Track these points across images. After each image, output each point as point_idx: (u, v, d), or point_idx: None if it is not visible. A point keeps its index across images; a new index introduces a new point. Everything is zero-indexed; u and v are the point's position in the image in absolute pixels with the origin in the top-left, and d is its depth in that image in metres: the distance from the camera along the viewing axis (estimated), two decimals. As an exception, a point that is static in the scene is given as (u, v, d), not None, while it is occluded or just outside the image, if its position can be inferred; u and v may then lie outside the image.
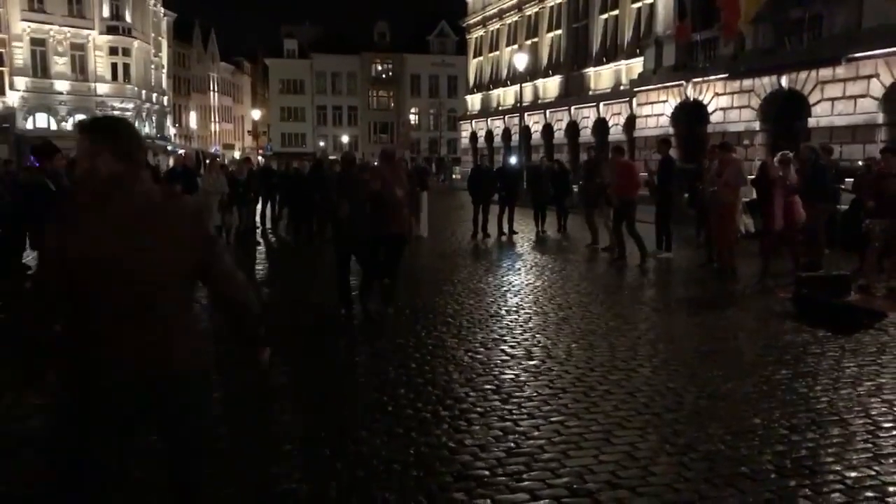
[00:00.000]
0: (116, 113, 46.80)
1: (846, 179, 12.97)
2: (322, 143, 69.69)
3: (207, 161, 24.09)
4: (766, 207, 10.97)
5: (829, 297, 8.51)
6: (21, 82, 43.98)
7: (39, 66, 44.78)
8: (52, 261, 2.56)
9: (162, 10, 57.15)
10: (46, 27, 44.41)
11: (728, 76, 21.79)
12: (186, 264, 2.63)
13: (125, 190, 2.53)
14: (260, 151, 68.92)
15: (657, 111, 25.15)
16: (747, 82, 21.30)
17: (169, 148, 53.22)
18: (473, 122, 43.37)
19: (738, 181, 11.49)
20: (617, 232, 12.80)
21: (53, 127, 44.02)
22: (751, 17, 19.86)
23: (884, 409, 5.38)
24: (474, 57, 43.85)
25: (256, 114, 76.70)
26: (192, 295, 2.80)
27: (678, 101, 24.16)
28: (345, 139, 70.86)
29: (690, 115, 23.72)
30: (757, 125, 21.16)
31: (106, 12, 46.59)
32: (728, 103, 22.12)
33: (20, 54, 43.88)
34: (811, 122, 19.17)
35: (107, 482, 2.69)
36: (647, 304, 9.77)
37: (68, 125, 44.96)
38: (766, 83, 20.71)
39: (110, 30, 46.72)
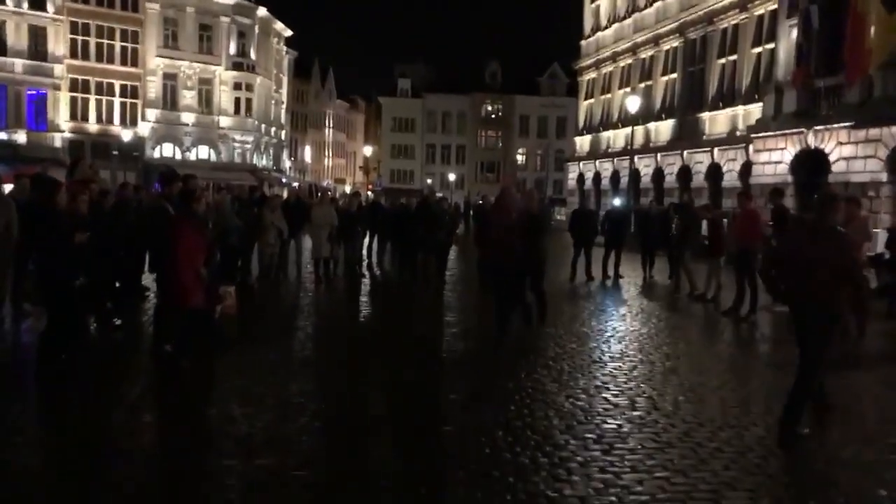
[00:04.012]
0: (237, 145, 49.11)
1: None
2: (430, 181, 70.61)
3: (319, 194, 24.78)
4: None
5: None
6: (152, 114, 46.84)
7: (169, 99, 47.64)
8: (781, 252, 6.24)
9: (284, 48, 59.81)
10: (178, 63, 47.29)
11: (854, 125, 20.78)
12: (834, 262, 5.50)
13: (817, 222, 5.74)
14: (370, 187, 70.59)
15: (775, 158, 24.21)
16: (874, 131, 20.21)
17: (283, 180, 55.25)
18: (581, 163, 42.98)
19: (862, 236, 10.89)
20: (738, 282, 12.25)
21: (178, 156, 46.53)
22: (879, 62, 18.92)
23: None
24: (585, 99, 43.60)
25: (368, 150, 78.74)
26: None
27: (798, 148, 23.20)
28: (451, 177, 71.63)
29: (811, 163, 22.72)
30: (884, 176, 20.00)
31: (233, 49, 49.19)
32: (852, 153, 21.05)
33: (153, 88, 46.85)
34: (946, 174, 18.01)
35: None
36: (761, 358, 9.32)
37: (192, 155, 47.45)
38: (895, 133, 19.64)
39: (236, 66, 49.27)
